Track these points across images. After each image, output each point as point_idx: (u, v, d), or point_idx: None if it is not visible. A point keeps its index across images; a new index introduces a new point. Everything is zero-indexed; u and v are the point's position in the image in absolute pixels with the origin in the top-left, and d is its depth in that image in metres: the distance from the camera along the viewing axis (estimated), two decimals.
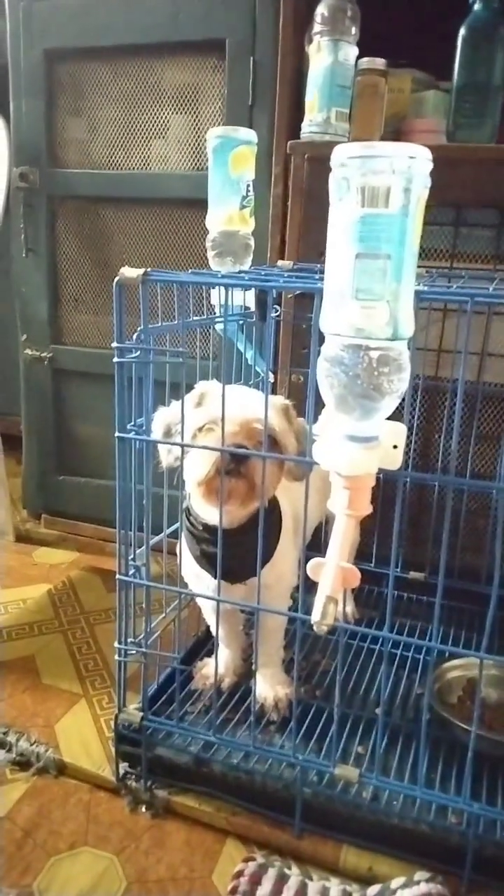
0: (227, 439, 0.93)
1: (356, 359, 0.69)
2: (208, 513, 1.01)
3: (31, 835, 1.02)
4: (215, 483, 0.94)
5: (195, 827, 1.04)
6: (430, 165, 0.66)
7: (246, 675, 1.23)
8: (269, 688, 1.15)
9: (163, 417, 1.00)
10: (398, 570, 1.41)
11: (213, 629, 1.18)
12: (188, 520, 1.06)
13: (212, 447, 0.94)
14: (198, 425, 0.97)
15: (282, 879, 0.92)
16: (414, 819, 0.97)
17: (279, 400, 1.02)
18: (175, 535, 1.13)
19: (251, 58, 1.53)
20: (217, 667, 1.11)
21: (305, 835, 1.00)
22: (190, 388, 1.09)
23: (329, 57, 1.30)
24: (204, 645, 1.32)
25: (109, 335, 0.96)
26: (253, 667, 1.13)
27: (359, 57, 1.33)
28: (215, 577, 1.00)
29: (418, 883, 0.88)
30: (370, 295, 0.66)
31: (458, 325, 1.34)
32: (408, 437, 0.79)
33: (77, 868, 0.97)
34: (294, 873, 0.93)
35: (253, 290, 1.19)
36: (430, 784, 1.00)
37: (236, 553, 0.99)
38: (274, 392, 1.50)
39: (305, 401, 0.86)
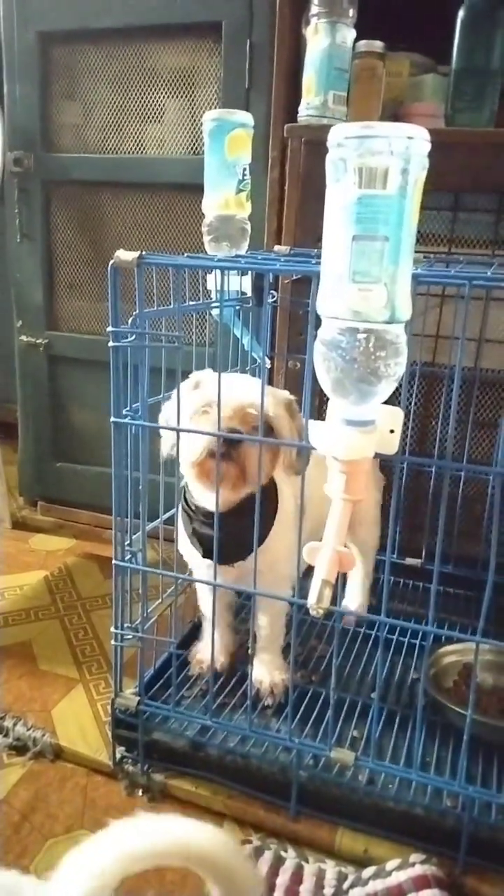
0: (222, 423, 0.93)
1: (353, 342, 0.68)
2: (201, 494, 1.02)
3: (28, 818, 1.02)
4: (208, 465, 0.95)
5: (192, 810, 1.05)
6: (428, 146, 0.65)
7: (237, 652, 1.24)
8: (266, 672, 1.15)
9: (168, 409, 1.01)
10: (395, 555, 1.43)
11: (205, 608, 1.19)
12: (184, 497, 1.08)
13: (206, 431, 0.94)
14: (194, 408, 0.98)
15: (278, 862, 0.92)
16: (409, 802, 0.97)
17: (283, 394, 1.03)
18: (171, 521, 1.13)
19: (248, 40, 1.52)
20: (214, 647, 1.11)
21: (301, 818, 1.01)
22: (186, 374, 1.09)
23: (326, 39, 1.29)
24: (200, 630, 1.32)
25: (105, 321, 0.95)
26: (249, 651, 1.13)
27: (357, 40, 1.32)
28: (203, 556, 1.03)
29: (413, 865, 0.89)
30: (367, 277, 0.66)
31: (456, 311, 1.34)
32: (405, 423, 0.79)
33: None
34: (290, 856, 0.94)
35: (249, 275, 1.19)
36: (426, 767, 1.01)
37: (226, 535, 1.00)
38: (270, 378, 1.49)
39: (302, 387, 0.86)
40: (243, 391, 0.95)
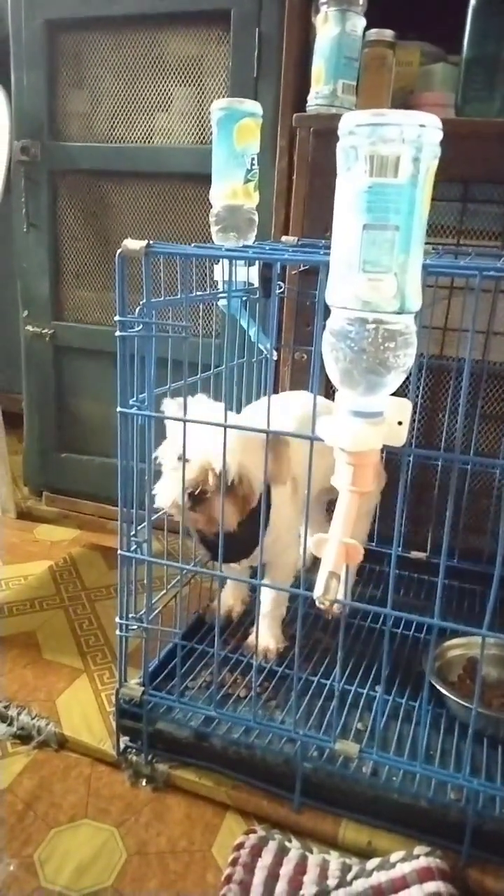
0: (186, 484, 0.98)
1: (362, 332, 0.68)
2: None
3: (32, 807, 1.02)
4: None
5: (195, 801, 1.05)
6: (440, 135, 0.65)
7: (252, 603, 1.32)
8: (262, 638, 1.19)
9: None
10: (400, 549, 1.42)
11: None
12: None
13: (212, 422, 0.96)
14: (174, 455, 1.02)
15: (282, 852, 0.92)
16: (413, 794, 0.97)
17: (256, 441, 1.02)
18: None
19: (257, 29, 1.51)
20: (217, 635, 1.11)
21: (305, 809, 1.01)
22: (193, 365, 1.08)
23: (336, 28, 1.27)
24: (204, 622, 1.32)
25: (111, 312, 0.95)
26: (253, 636, 1.15)
27: (367, 28, 1.31)
28: (213, 559, 1.07)
29: (418, 857, 0.89)
30: (377, 267, 0.65)
31: (465, 303, 1.33)
32: (412, 416, 0.79)
33: (77, 840, 0.98)
34: (294, 846, 0.94)
35: (256, 266, 1.18)
36: (430, 760, 1.01)
37: (231, 543, 1.02)
38: (277, 370, 1.49)
39: (309, 379, 0.85)
40: (210, 446, 0.97)
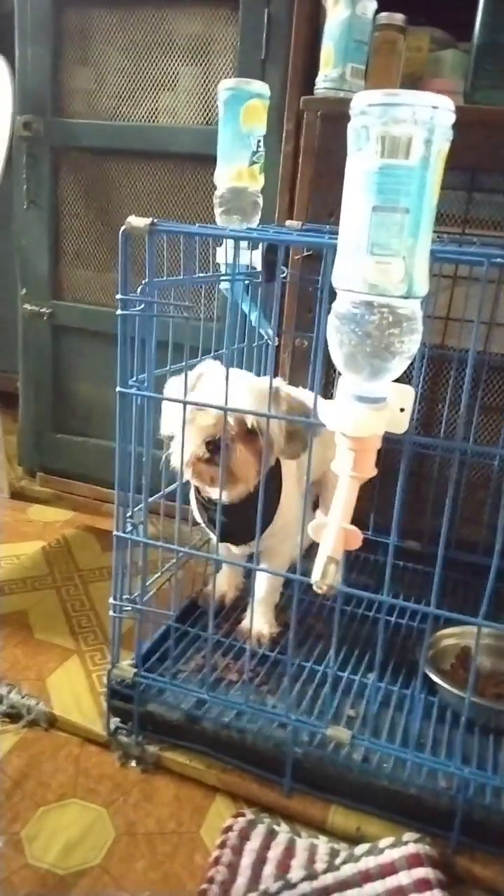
0: (203, 432, 0.98)
1: (368, 316, 0.67)
2: (207, 489, 1.07)
3: (21, 785, 1.02)
4: (198, 467, 1.01)
5: (185, 783, 1.05)
6: (453, 117, 0.64)
7: (245, 590, 1.33)
8: (256, 623, 1.19)
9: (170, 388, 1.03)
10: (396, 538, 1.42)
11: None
12: (196, 489, 1.11)
13: (214, 405, 0.95)
14: (185, 411, 1.00)
15: (271, 835, 0.93)
16: (404, 781, 0.97)
17: (264, 386, 1.02)
18: (171, 496, 1.12)
19: (266, 9, 1.49)
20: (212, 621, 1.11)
21: (295, 794, 1.01)
22: (193, 348, 1.07)
23: (346, 10, 1.26)
24: (198, 606, 1.32)
25: (111, 292, 0.94)
26: (247, 622, 1.16)
27: (377, 12, 1.29)
28: (223, 541, 1.09)
29: (406, 843, 0.89)
30: (386, 250, 0.65)
31: (468, 293, 1.32)
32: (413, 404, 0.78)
33: (65, 819, 0.98)
34: (283, 830, 0.95)
35: (259, 250, 1.17)
36: (421, 748, 1.01)
37: (238, 521, 1.03)
38: (277, 357, 1.48)
39: (310, 366, 0.85)
40: (231, 395, 0.95)
